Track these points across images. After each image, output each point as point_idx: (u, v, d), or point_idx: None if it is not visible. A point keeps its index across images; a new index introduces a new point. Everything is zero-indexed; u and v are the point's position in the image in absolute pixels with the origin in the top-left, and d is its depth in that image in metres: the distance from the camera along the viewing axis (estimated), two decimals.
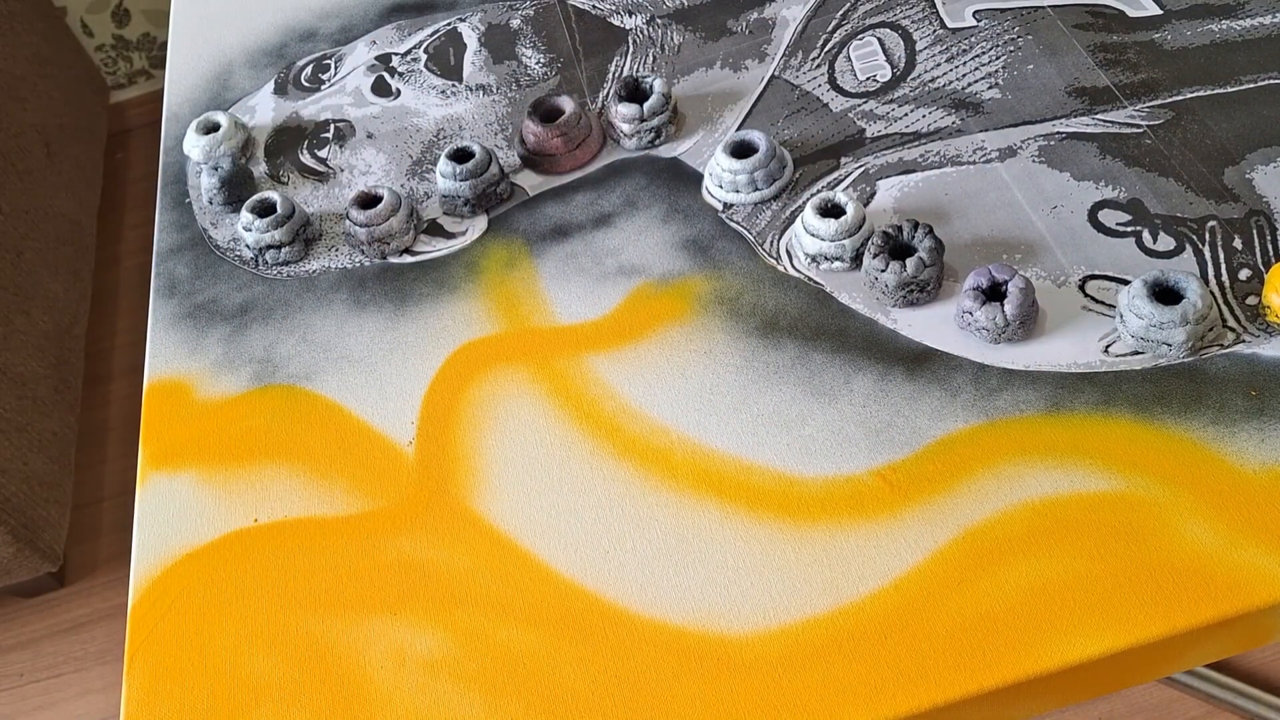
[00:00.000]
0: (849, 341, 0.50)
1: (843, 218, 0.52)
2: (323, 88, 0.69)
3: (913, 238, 0.50)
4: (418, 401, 0.52)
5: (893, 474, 0.45)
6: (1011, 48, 0.61)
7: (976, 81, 0.59)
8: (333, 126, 0.66)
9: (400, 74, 0.68)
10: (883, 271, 0.50)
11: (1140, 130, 0.55)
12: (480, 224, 0.59)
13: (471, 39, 0.69)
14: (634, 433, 0.48)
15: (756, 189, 0.56)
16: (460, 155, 0.59)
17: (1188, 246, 0.50)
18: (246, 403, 0.53)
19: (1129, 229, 0.51)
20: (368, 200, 0.58)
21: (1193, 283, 0.46)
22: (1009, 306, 0.47)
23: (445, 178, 0.58)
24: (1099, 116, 0.56)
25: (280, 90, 0.70)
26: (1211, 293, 0.48)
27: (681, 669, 0.41)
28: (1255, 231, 0.50)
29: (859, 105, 0.60)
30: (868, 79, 0.61)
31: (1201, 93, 0.56)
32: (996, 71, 0.60)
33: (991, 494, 0.44)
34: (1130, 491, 0.43)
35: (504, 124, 0.64)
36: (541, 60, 0.67)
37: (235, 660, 0.45)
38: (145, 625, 0.46)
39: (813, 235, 0.52)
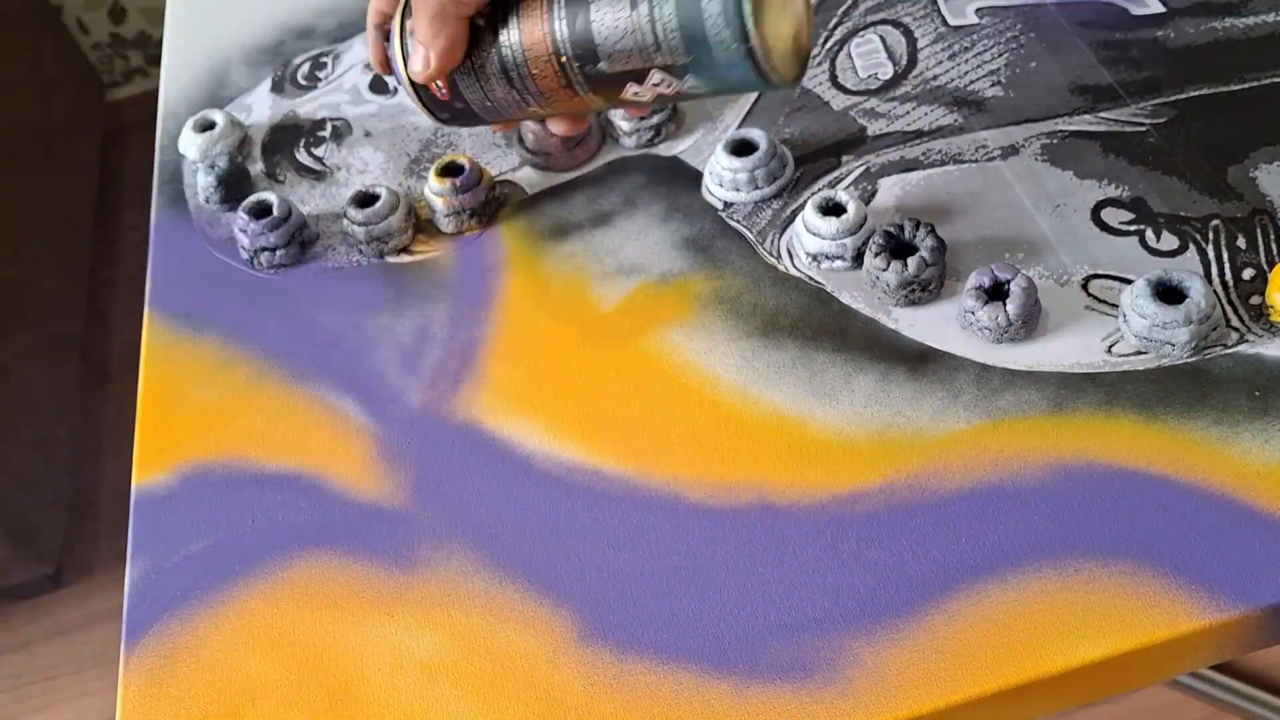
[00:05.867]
0: (850, 341, 0.49)
1: (844, 216, 0.51)
2: (320, 85, 0.69)
3: (914, 237, 0.50)
4: (416, 402, 0.51)
5: (895, 474, 0.45)
6: (1014, 45, 0.60)
7: (979, 79, 0.59)
8: (330, 125, 0.66)
9: None
10: (884, 271, 0.49)
11: (1143, 128, 0.55)
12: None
13: None
14: (632, 435, 0.48)
15: (757, 187, 0.56)
16: (451, 170, 0.58)
17: (1191, 246, 0.50)
18: (243, 403, 0.53)
19: (1132, 228, 0.51)
20: (365, 199, 0.58)
21: (1196, 282, 0.46)
22: (1011, 306, 0.47)
23: (440, 195, 0.57)
24: (1102, 114, 0.56)
25: (277, 88, 0.69)
26: (1215, 292, 0.48)
27: (682, 673, 0.41)
28: (1259, 230, 0.50)
29: (860, 103, 0.59)
30: (869, 76, 0.61)
31: (1205, 91, 0.56)
32: (999, 69, 0.59)
33: (994, 495, 0.43)
34: (1133, 493, 0.43)
35: None
36: None
37: (231, 662, 0.44)
38: (141, 627, 0.46)
39: (814, 234, 0.52)
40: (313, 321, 0.56)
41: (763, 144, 0.55)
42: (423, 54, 0.45)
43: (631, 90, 0.45)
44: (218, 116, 0.65)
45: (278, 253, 0.58)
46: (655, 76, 0.44)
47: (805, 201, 0.55)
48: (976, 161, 0.55)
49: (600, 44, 0.44)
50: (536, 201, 0.59)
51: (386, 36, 0.49)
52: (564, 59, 0.44)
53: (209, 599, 0.46)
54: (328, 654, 0.44)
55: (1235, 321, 0.47)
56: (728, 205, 0.56)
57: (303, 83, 0.69)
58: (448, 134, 0.64)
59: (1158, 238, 0.50)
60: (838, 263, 0.52)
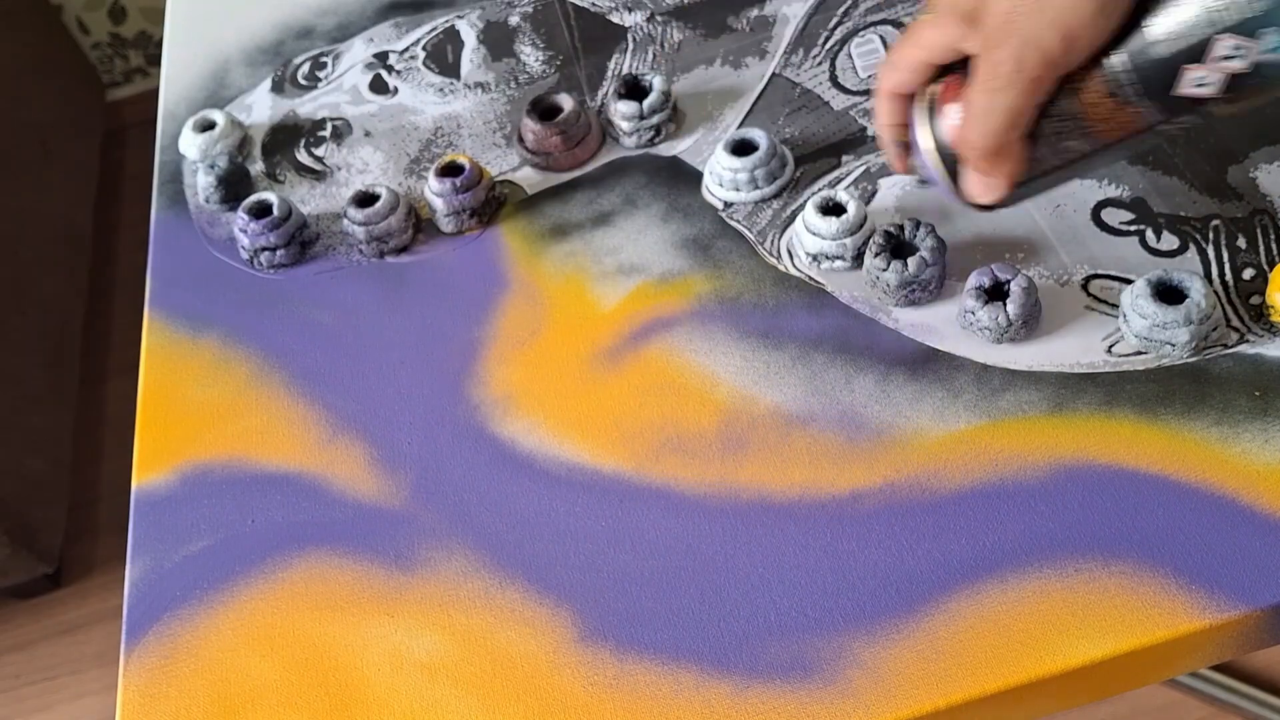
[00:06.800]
0: (850, 341, 0.49)
1: (844, 216, 0.51)
2: (320, 85, 0.69)
3: (914, 236, 0.50)
4: (416, 402, 0.51)
5: (895, 474, 0.45)
6: None
7: None
8: (330, 124, 0.66)
9: (398, 71, 0.68)
10: (884, 271, 0.49)
11: None
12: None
13: (470, 36, 0.69)
14: (632, 435, 0.48)
15: (757, 187, 0.56)
16: (451, 170, 0.58)
17: (1191, 246, 0.50)
18: (243, 403, 0.53)
19: (1132, 228, 0.51)
20: (365, 199, 0.58)
21: (1196, 282, 0.46)
22: (1011, 306, 0.47)
23: (440, 195, 0.57)
24: None
25: (277, 88, 0.69)
26: (1215, 292, 0.48)
27: (682, 673, 0.41)
28: (1259, 230, 0.50)
29: (861, 103, 0.59)
30: (869, 76, 0.61)
31: None
32: None
33: (994, 495, 0.43)
34: (1134, 493, 0.43)
35: (502, 122, 0.64)
36: (540, 58, 0.67)
37: (232, 662, 0.44)
38: (141, 627, 0.46)
39: (814, 234, 0.52)
40: (313, 321, 0.56)
41: (763, 144, 0.55)
42: (986, 183, 0.43)
43: (1194, 78, 0.39)
44: (218, 116, 0.65)
45: (278, 253, 0.58)
46: (1221, 48, 0.38)
47: (805, 201, 0.55)
48: None
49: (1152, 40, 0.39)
50: (536, 201, 0.59)
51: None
52: (1113, 84, 0.40)
53: (209, 599, 0.46)
54: (328, 654, 0.44)
55: (1235, 321, 0.47)
56: (728, 205, 0.56)
57: (303, 83, 0.69)
58: (448, 134, 0.64)
59: (1158, 238, 0.50)
60: (838, 263, 0.52)
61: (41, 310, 1.39)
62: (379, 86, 0.67)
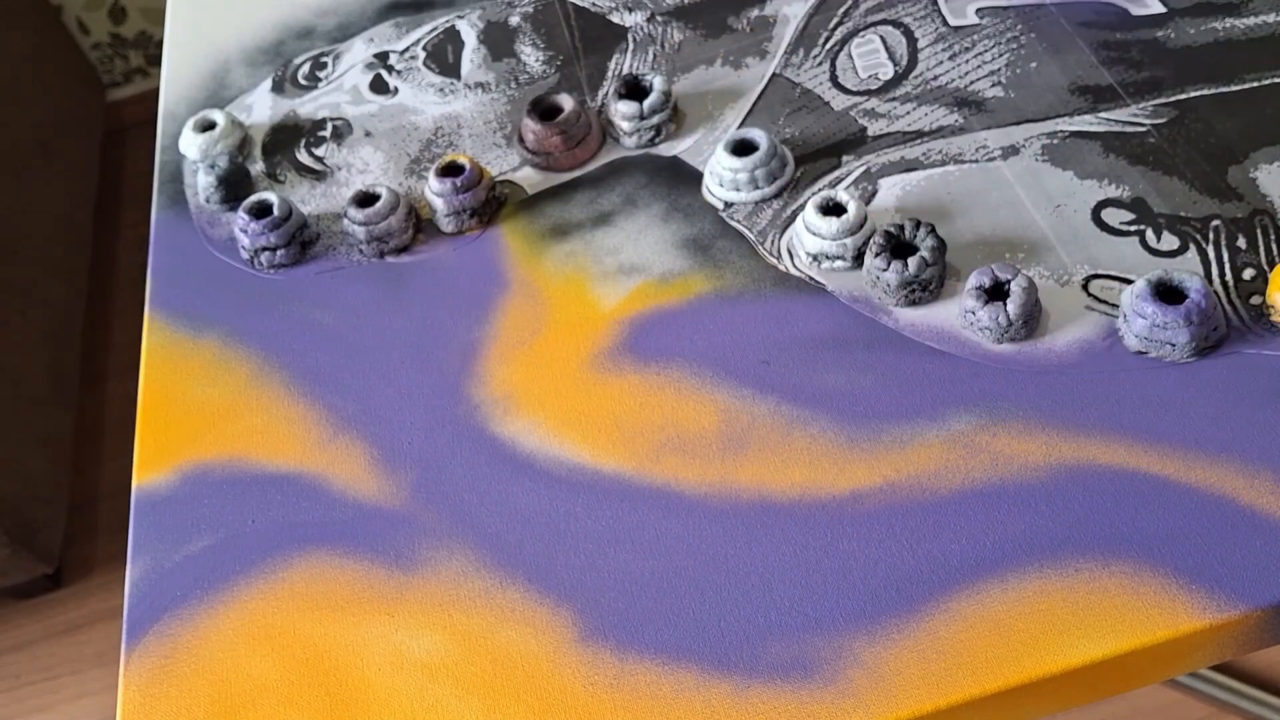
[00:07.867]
0: (850, 341, 0.49)
1: (844, 216, 0.51)
2: (320, 85, 0.69)
3: (914, 237, 0.50)
4: (416, 402, 0.51)
5: (895, 474, 0.45)
6: (1014, 45, 0.60)
7: (979, 79, 0.59)
8: (330, 124, 0.66)
9: (398, 72, 0.68)
10: (884, 271, 0.49)
11: (1144, 129, 0.55)
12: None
13: (470, 36, 0.69)
14: (632, 435, 0.48)
15: (757, 187, 0.56)
16: (451, 170, 0.58)
17: (1191, 246, 0.50)
18: (243, 403, 0.53)
19: (1132, 228, 0.51)
20: (365, 199, 0.58)
21: (1196, 282, 0.46)
22: (1012, 306, 0.47)
23: (441, 195, 0.57)
24: (1102, 115, 0.56)
25: (277, 88, 0.69)
26: (1215, 292, 0.48)
27: (682, 673, 0.41)
28: (1259, 231, 0.50)
29: (861, 103, 0.59)
30: (869, 77, 0.61)
31: (1205, 91, 0.56)
32: (999, 69, 0.59)
33: (994, 495, 0.43)
34: (1134, 493, 0.43)
35: (503, 122, 0.64)
36: (541, 58, 0.67)
37: (231, 662, 0.44)
38: (141, 627, 0.46)
39: (814, 234, 0.52)
40: (313, 321, 0.56)
41: (763, 144, 0.55)
42: None
43: None
44: (218, 116, 0.65)
45: (278, 253, 0.58)
46: None
47: (805, 201, 0.55)
48: (977, 162, 0.55)
49: None
50: (536, 201, 0.59)
51: None
52: None
53: (209, 599, 0.46)
54: (328, 654, 0.44)
55: (1236, 322, 0.47)
56: (728, 205, 0.56)
57: (303, 83, 0.69)
58: (448, 134, 0.64)
59: (1158, 238, 0.50)
60: (838, 263, 0.52)
61: (42, 310, 1.38)
62: (379, 86, 0.67)
